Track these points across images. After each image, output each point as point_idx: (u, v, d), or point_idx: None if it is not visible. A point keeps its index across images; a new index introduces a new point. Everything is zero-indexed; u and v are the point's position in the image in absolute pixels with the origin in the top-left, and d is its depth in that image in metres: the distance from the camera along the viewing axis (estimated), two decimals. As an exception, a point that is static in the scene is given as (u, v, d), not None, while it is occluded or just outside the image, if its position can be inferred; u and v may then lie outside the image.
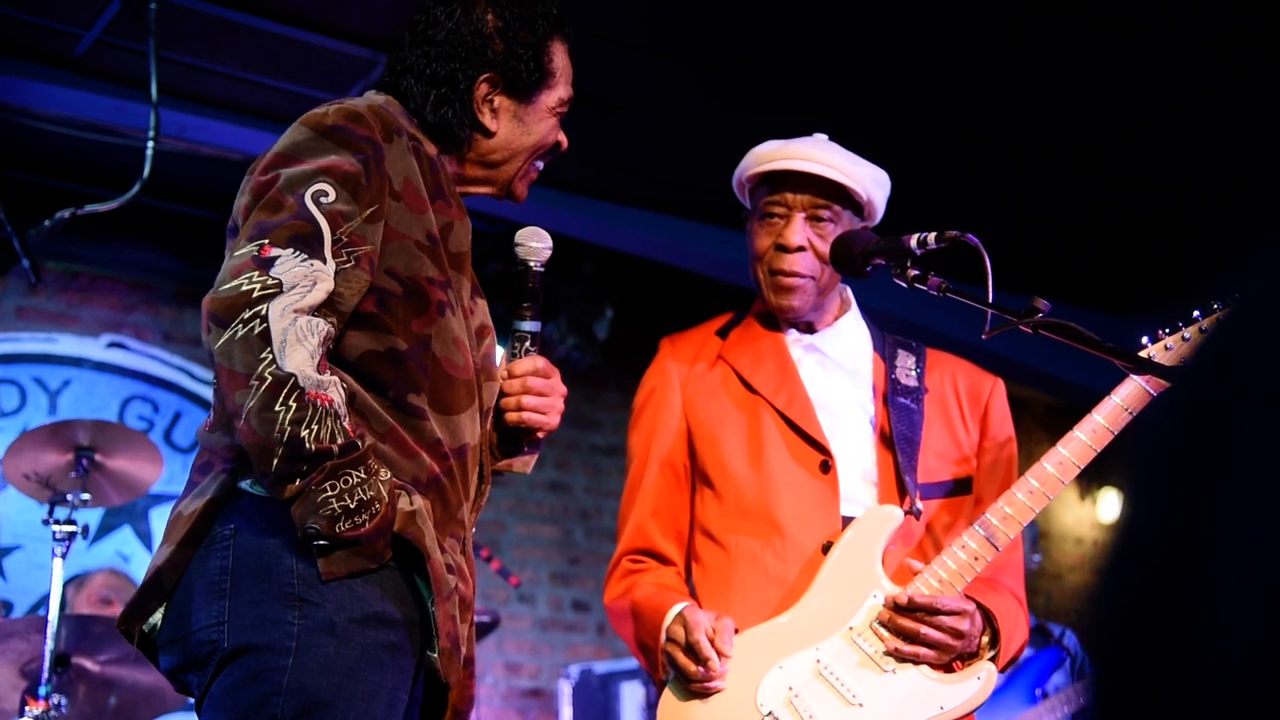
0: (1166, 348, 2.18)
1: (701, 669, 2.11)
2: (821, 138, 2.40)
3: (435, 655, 1.83)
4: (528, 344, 2.06)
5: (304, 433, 1.68)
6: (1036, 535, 4.85)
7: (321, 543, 1.72)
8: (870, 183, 2.34)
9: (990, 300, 2.06)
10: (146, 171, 4.07)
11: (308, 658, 1.72)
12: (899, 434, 2.28)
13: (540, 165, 2.13)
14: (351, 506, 1.71)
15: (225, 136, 4.71)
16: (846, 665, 2.13)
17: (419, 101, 1.99)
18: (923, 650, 2.11)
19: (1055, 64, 4.37)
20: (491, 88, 2.02)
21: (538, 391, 2.04)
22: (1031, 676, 4.36)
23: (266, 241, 1.75)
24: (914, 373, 2.38)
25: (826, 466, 2.26)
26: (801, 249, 2.30)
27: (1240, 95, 4.47)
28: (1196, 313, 2.19)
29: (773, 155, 2.33)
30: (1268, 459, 0.56)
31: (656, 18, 4.20)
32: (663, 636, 2.18)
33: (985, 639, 2.18)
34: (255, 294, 1.71)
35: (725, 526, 2.28)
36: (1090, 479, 7.70)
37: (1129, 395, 2.15)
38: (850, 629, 2.15)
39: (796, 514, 2.23)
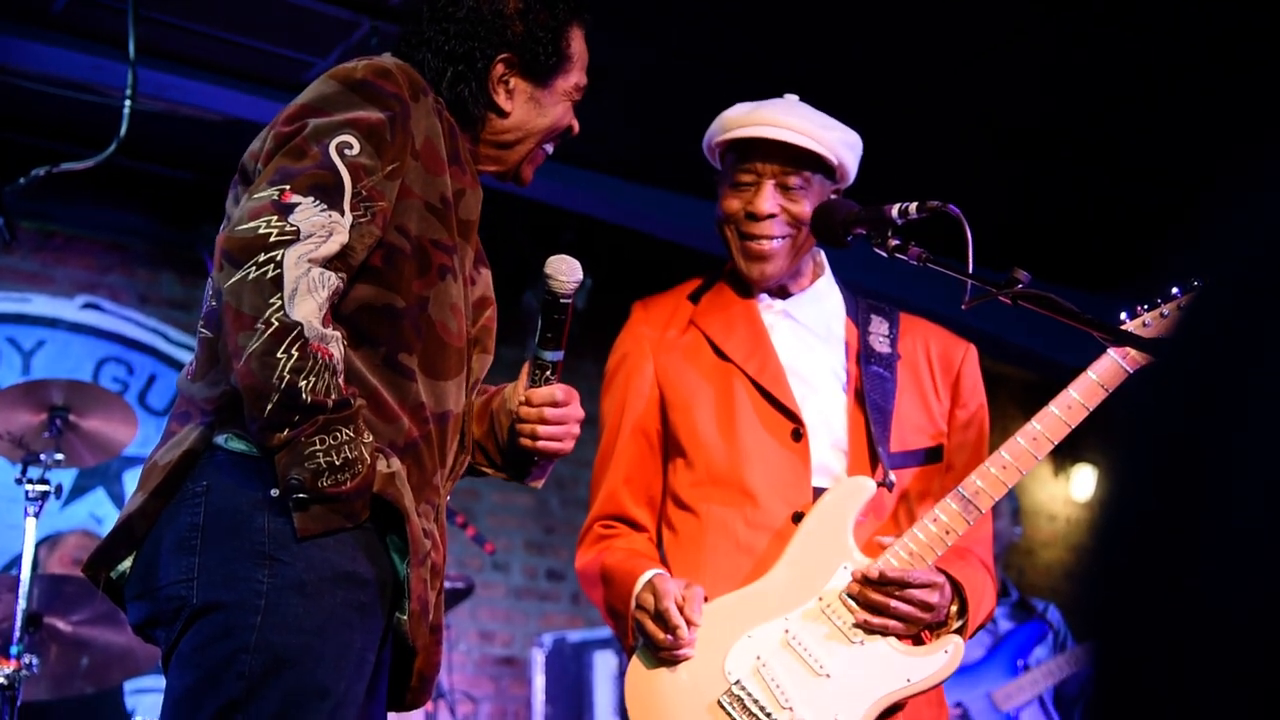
0: (1145, 324, 2.18)
1: (670, 637, 2.11)
2: (793, 99, 2.39)
3: (405, 618, 1.84)
4: (548, 373, 2.05)
5: (302, 383, 1.69)
6: (1017, 508, 4.87)
7: (301, 495, 1.72)
8: (841, 146, 2.32)
9: (970, 271, 2.06)
10: (123, 131, 4.03)
11: (276, 616, 1.72)
12: (872, 402, 2.28)
13: (549, 149, 2.14)
14: (337, 463, 1.72)
15: (203, 97, 4.67)
16: (815, 636, 2.14)
17: (435, 76, 1.99)
18: (891, 623, 2.12)
19: (1045, 52, 4.37)
20: (508, 68, 2.03)
21: (554, 421, 2.05)
22: (1014, 649, 4.39)
23: (288, 187, 1.75)
24: (887, 339, 2.37)
25: (798, 435, 2.25)
26: (772, 215, 2.29)
27: (1220, 80, 4.48)
28: (1175, 289, 2.19)
29: (742, 120, 2.31)
30: (1262, 430, 0.56)
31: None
32: (632, 603, 2.18)
33: (953, 608, 2.19)
34: (272, 238, 1.71)
35: (697, 494, 2.28)
36: (1064, 456, 7.75)
37: (1105, 371, 2.15)
38: (819, 600, 2.16)
39: (767, 482, 2.23)
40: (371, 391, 1.82)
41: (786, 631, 2.14)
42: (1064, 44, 4.40)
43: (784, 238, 2.31)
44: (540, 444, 2.05)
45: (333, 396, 1.72)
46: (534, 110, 2.06)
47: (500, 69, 2.02)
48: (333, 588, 1.76)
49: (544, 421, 2.04)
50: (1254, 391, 0.58)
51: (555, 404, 2.05)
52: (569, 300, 2.03)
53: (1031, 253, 5.74)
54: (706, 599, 2.17)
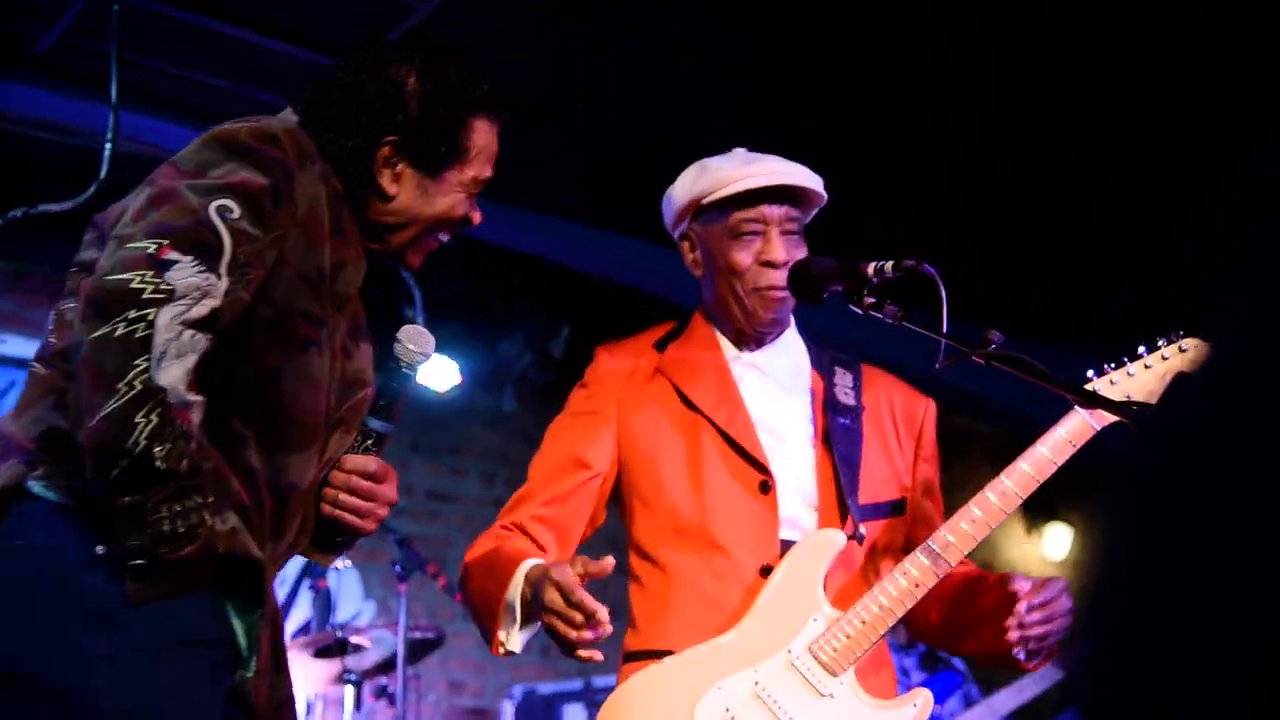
0: (1112, 382, 2.21)
1: (587, 633, 1.98)
2: (742, 151, 2.42)
3: (249, 676, 1.78)
4: (369, 442, 1.98)
5: (157, 449, 1.62)
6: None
7: (138, 562, 1.65)
8: (822, 189, 2.38)
9: (944, 330, 2.08)
10: (104, 173, 4.03)
11: (123, 680, 1.64)
12: (840, 454, 2.29)
13: (444, 237, 2.05)
14: (181, 530, 1.65)
15: (184, 141, 4.65)
16: (785, 688, 2.13)
17: (322, 145, 1.92)
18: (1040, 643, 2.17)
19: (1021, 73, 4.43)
20: (395, 151, 1.94)
21: (361, 493, 1.95)
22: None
23: (167, 243, 1.68)
24: (852, 390, 2.39)
25: (766, 487, 2.26)
26: (787, 263, 2.31)
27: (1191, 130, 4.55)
28: (1141, 349, 2.23)
29: (745, 172, 2.32)
30: (1248, 489, 0.57)
31: (621, 38, 4.22)
32: (518, 590, 2.08)
33: None
34: (145, 295, 1.64)
35: (661, 544, 2.26)
36: (1038, 514, 7.75)
37: (1073, 428, 2.17)
38: (789, 652, 2.16)
39: (735, 533, 2.23)
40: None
41: (756, 684, 2.14)
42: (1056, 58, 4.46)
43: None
44: (338, 512, 1.95)
45: (184, 463, 1.65)
46: (421, 198, 1.97)
47: (387, 151, 1.93)
48: (179, 649, 1.69)
49: (350, 490, 1.95)
50: (1240, 453, 0.59)
51: (368, 475, 1.95)
52: (411, 373, 1.98)
53: (1007, 306, 5.79)
54: (673, 651, 2.16)
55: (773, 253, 2.31)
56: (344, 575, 5.46)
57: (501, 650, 2.13)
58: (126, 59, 4.12)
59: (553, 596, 1.99)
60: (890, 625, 2.14)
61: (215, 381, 1.76)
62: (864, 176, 5.00)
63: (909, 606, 2.16)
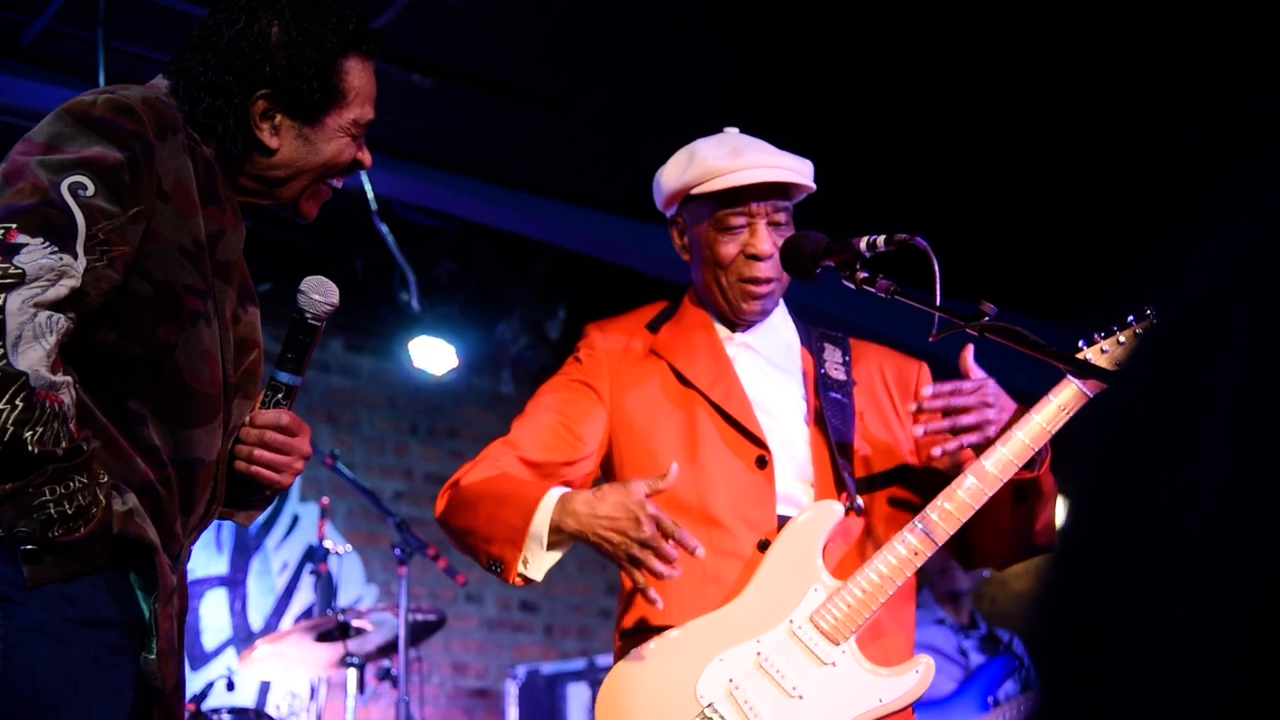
0: (1102, 351, 2.22)
1: (667, 562, 1.99)
2: (734, 132, 2.42)
3: (152, 658, 1.76)
4: (280, 395, 1.96)
5: (27, 433, 1.60)
6: None
7: (29, 547, 1.63)
8: (812, 177, 2.38)
9: (938, 304, 2.09)
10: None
11: (19, 659, 1.63)
12: (834, 429, 2.30)
13: (337, 183, 2.02)
14: (69, 512, 1.64)
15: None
16: (787, 657, 2.15)
17: (191, 108, 1.88)
18: (967, 435, 2.14)
19: (1008, 79, 4.43)
20: (270, 104, 1.91)
21: (275, 446, 1.94)
22: (985, 684, 4.39)
23: (14, 226, 1.65)
24: (842, 365, 2.40)
25: (763, 462, 2.27)
26: (772, 255, 2.31)
27: (1181, 113, 4.55)
28: (1130, 317, 2.24)
29: (731, 165, 2.31)
30: (1211, 451, 0.58)
31: (610, 18, 4.21)
32: (545, 518, 2.08)
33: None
34: None
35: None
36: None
37: (1066, 396, 2.18)
38: (791, 622, 2.17)
39: (732, 508, 2.24)
40: (103, 430, 1.74)
41: (758, 654, 2.15)
42: (1032, 70, 4.46)
43: (778, 279, 2.35)
44: (254, 469, 1.93)
45: (63, 445, 1.63)
46: (304, 148, 1.94)
47: (262, 105, 1.90)
48: (79, 630, 1.68)
49: (264, 445, 1.93)
50: (1204, 415, 0.59)
51: (280, 429, 1.94)
52: (318, 324, 1.95)
53: (996, 280, 5.80)
54: (672, 626, 2.18)
55: (758, 245, 2.31)
56: (345, 560, 5.48)
57: (518, 579, 2.13)
58: (113, 46, 4.11)
59: (654, 534, 2.00)
60: (890, 593, 2.15)
61: (107, 363, 1.75)
62: (857, 155, 5.01)
63: (909, 575, 2.17)
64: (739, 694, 2.13)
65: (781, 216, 2.34)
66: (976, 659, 4.47)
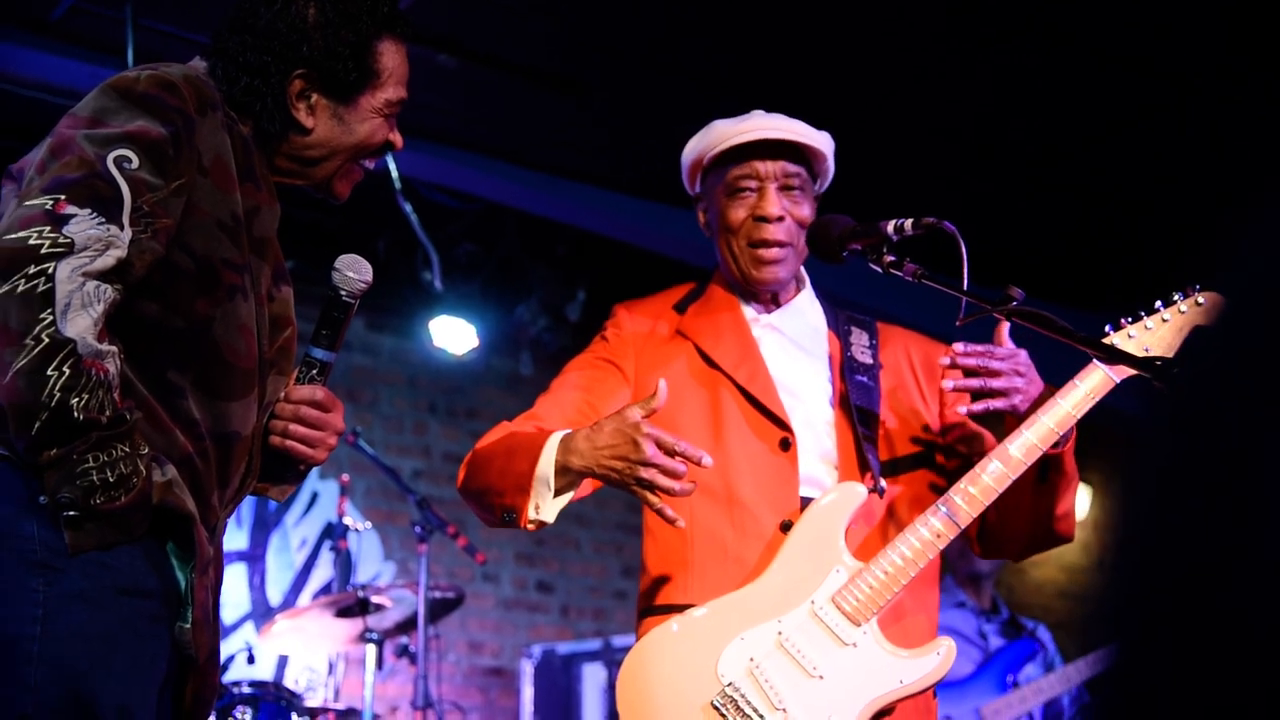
0: (1130, 336, 2.21)
1: (676, 479, 1.98)
2: (760, 113, 2.42)
3: (187, 627, 1.79)
4: (314, 372, 1.99)
5: (73, 400, 1.63)
6: None
7: (72, 513, 1.66)
8: (827, 145, 2.38)
9: (965, 287, 2.09)
10: (121, 138, 4.04)
11: (58, 625, 1.66)
12: (859, 412, 2.30)
13: (369, 164, 2.06)
14: (111, 480, 1.67)
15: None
16: (808, 638, 2.15)
17: (229, 88, 1.92)
18: (995, 400, 2.11)
19: (1033, 68, 4.41)
20: (307, 84, 1.95)
21: (310, 422, 1.96)
22: (1004, 665, 4.41)
23: (63, 197, 1.68)
24: (869, 349, 2.40)
25: (786, 444, 2.27)
26: (781, 218, 2.31)
27: (1183, 112, 4.53)
28: (1158, 302, 2.23)
29: (736, 130, 2.33)
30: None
31: (632, 2, 4.21)
32: (550, 460, 2.07)
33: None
34: (43, 250, 1.64)
35: (681, 500, 2.28)
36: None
37: (1093, 381, 2.18)
38: (812, 603, 2.18)
39: (756, 489, 2.25)
40: (143, 401, 1.77)
41: (779, 634, 2.16)
42: (1055, 61, 4.45)
43: (791, 244, 2.34)
44: (289, 443, 1.96)
45: (107, 413, 1.66)
46: (340, 127, 1.98)
47: (298, 85, 1.94)
48: (117, 599, 1.70)
49: (299, 420, 1.96)
50: (1265, 405, 0.58)
51: (315, 404, 1.97)
52: (352, 301, 1.99)
53: (1019, 269, 5.79)
54: (693, 605, 2.19)
55: (766, 207, 2.31)
56: (364, 536, 5.51)
57: (531, 525, 2.12)
58: (141, 24, 4.12)
59: (655, 453, 1.97)
60: (912, 575, 2.16)
61: (149, 335, 1.78)
62: (882, 137, 5.00)
63: (931, 558, 2.17)
64: (759, 673, 2.14)
65: (794, 182, 2.33)
66: (996, 641, 4.48)
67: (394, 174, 4.94)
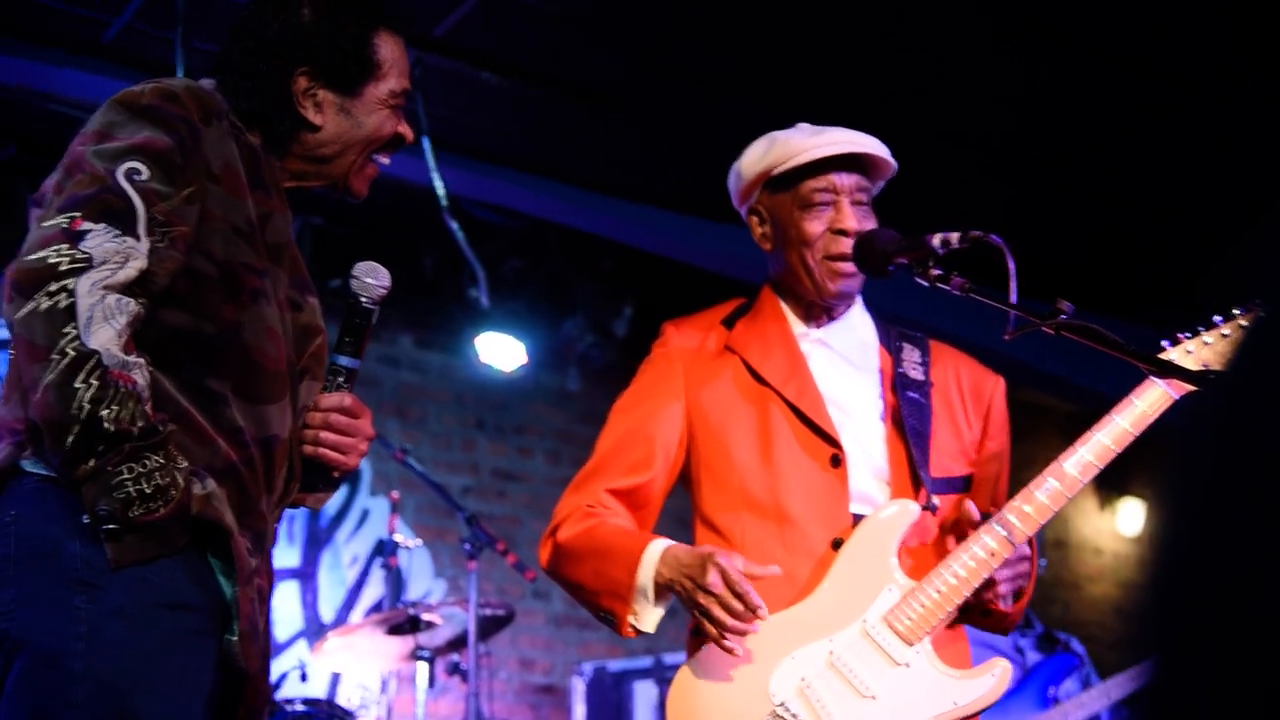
0: (1188, 351, 2.17)
1: (741, 622, 2.05)
2: (806, 126, 2.41)
3: (235, 639, 1.79)
4: (340, 379, 2.00)
5: (103, 412, 1.64)
6: (1042, 540, 4.85)
7: (111, 526, 1.67)
8: (893, 160, 2.37)
9: (1013, 301, 2.06)
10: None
11: (100, 643, 1.67)
12: (910, 428, 2.28)
13: (383, 160, 2.07)
14: (148, 491, 1.67)
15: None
16: (860, 657, 2.13)
17: (237, 96, 1.95)
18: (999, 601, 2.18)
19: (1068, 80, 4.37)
20: (311, 81, 1.97)
21: (340, 429, 1.97)
22: (1044, 680, 4.36)
23: (79, 214, 1.71)
24: (921, 365, 2.37)
25: (837, 460, 2.25)
26: (859, 232, 2.30)
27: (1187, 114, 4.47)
28: (1217, 318, 2.19)
29: (813, 143, 2.31)
30: None
31: (680, 22, 4.21)
32: (650, 571, 2.13)
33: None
34: (63, 267, 1.67)
35: (731, 518, 2.26)
36: (1111, 489, 7.65)
37: (1151, 399, 2.14)
38: (864, 622, 2.15)
39: (806, 507, 2.23)
40: (183, 414, 1.78)
41: (831, 653, 2.14)
42: (1038, 72, 4.40)
43: None
44: (321, 451, 1.97)
45: (139, 424, 1.67)
46: (347, 121, 2.00)
47: (303, 82, 1.97)
48: (159, 614, 1.71)
49: (328, 427, 1.97)
50: None
51: (343, 410, 1.98)
52: (373, 307, 2.01)
53: (1067, 281, 5.72)
54: None
55: (844, 221, 2.29)
56: (414, 553, 5.52)
57: (632, 631, 2.19)
58: (192, 45, 4.17)
59: (716, 581, 2.05)
60: (966, 595, 2.13)
61: (183, 345, 1.80)
62: (932, 150, 4.96)
63: (985, 577, 2.14)
64: (811, 693, 2.11)
65: (864, 197, 2.33)
66: (1033, 656, 4.43)
67: (440, 192, 4.96)
